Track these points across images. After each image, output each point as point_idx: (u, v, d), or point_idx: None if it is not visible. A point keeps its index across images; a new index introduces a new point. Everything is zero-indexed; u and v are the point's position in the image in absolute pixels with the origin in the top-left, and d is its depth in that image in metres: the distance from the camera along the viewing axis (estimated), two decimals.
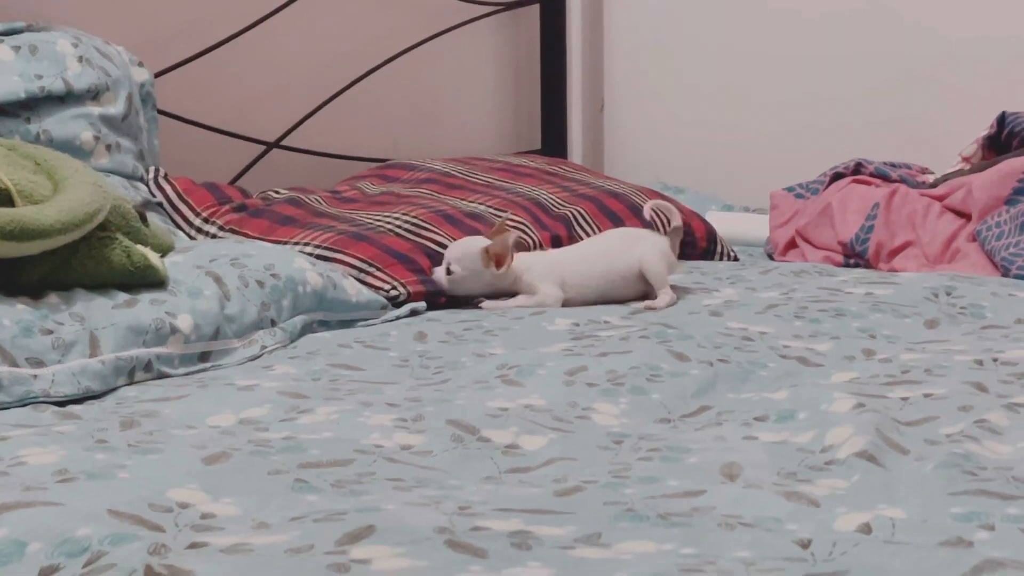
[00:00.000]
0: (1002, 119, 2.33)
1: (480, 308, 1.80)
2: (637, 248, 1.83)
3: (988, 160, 2.31)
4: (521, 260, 1.84)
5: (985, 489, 0.91)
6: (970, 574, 0.74)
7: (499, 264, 1.80)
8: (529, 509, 0.90)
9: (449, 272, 1.81)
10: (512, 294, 1.84)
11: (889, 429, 1.09)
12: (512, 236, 1.81)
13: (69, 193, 1.45)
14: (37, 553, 0.81)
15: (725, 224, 2.49)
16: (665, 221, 2.10)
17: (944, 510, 0.88)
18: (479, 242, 1.82)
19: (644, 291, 1.83)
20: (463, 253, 1.82)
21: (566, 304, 1.81)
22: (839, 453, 1.03)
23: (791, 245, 2.37)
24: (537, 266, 1.83)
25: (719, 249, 2.33)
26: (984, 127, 2.37)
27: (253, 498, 0.92)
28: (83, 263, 1.43)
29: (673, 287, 1.83)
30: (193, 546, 0.82)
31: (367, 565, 0.77)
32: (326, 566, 0.76)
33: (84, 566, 0.80)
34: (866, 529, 0.85)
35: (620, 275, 1.83)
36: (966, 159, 2.37)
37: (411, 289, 1.82)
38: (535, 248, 2.02)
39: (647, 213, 1.96)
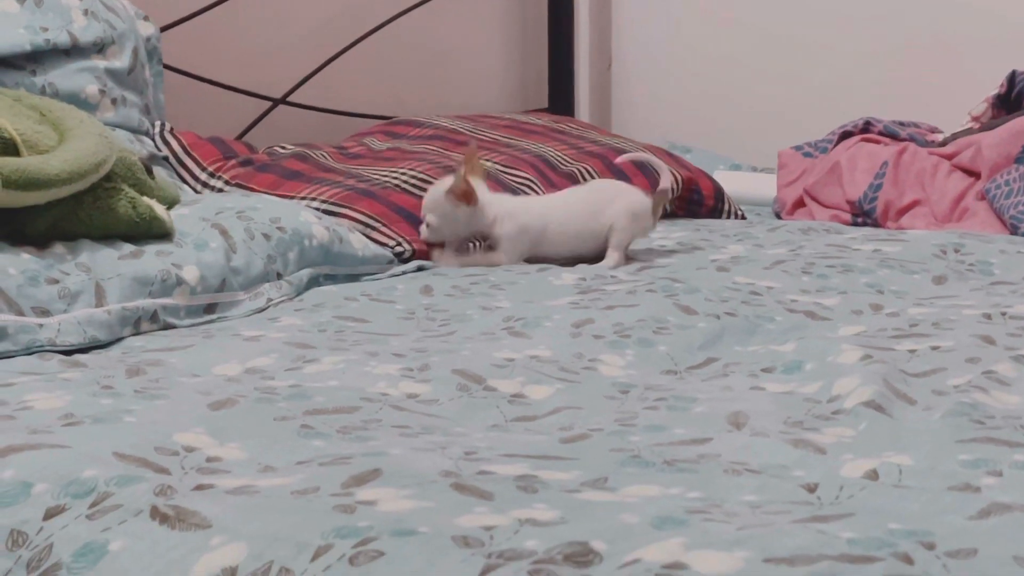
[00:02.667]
0: (1012, 78, 2.31)
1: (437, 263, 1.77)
2: (611, 207, 1.77)
3: (998, 119, 2.30)
4: (502, 204, 1.78)
5: (993, 437, 0.91)
6: (977, 517, 0.74)
7: (468, 201, 1.74)
8: (535, 455, 0.90)
9: (428, 225, 1.77)
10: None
11: (896, 380, 1.09)
12: (463, 171, 1.73)
13: (75, 143, 1.44)
14: (43, 494, 0.81)
15: (733, 183, 2.48)
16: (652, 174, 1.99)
17: (951, 457, 0.87)
18: (444, 185, 1.76)
19: None
20: (432, 201, 1.76)
21: (535, 258, 1.77)
22: (846, 403, 1.03)
23: (799, 204, 2.36)
24: (512, 220, 1.76)
25: (726, 208, 2.32)
26: (994, 86, 2.36)
27: (259, 443, 0.92)
28: (89, 214, 1.43)
29: (632, 254, 1.79)
30: (199, 488, 0.82)
31: (373, 506, 0.77)
32: (332, 507, 0.76)
33: (90, 507, 0.80)
34: (873, 475, 0.85)
35: (592, 234, 1.77)
36: (976, 118, 2.36)
37: (416, 246, 1.81)
38: None
39: (620, 161, 1.90)
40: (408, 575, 0.67)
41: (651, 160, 1.94)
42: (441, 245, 1.80)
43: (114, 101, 1.91)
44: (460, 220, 1.76)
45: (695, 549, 0.66)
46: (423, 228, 1.78)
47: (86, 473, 0.83)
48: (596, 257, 1.78)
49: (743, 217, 2.33)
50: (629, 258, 1.80)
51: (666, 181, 1.84)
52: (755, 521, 0.73)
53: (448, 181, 1.76)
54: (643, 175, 2.18)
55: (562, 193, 1.88)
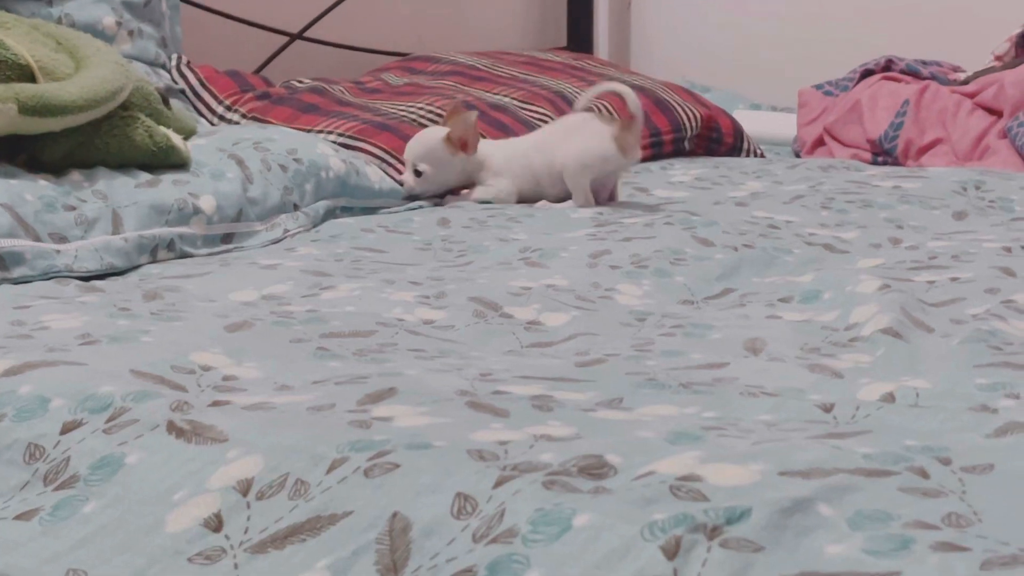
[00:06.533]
0: None
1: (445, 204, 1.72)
2: (566, 143, 1.65)
3: (1021, 58, 2.28)
4: (486, 146, 1.73)
5: (1010, 362, 0.91)
6: (994, 435, 0.74)
7: (465, 148, 1.69)
8: (550, 377, 0.90)
9: (418, 173, 1.70)
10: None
11: (914, 308, 1.08)
12: (473, 115, 1.69)
13: (91, 71, 1.44)
14: (60, 408, 0.82)
15: (752, 123, 2.47)
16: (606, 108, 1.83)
17: (969, 381, 0.87)
18: (438, 132, 1.71)
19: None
20: (426, 148, 1.69)
21: (520, 199, 1.71)
22: (863, 330, 1.03)
23: (819, 143, 2.34)
24: (496, 155, 1.72)
25: (745, 146, 2.31)
26: (1017, 25, 2.33)
27: (275, 363, 0.92)
28: (105, 141, 1.43)
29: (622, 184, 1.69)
30: (215, 404, 0.82)
31: (389, 422, 0.77)
32: (348, 422, 0.76)
33: (107, 421, 0.80)
34: (889, 398, 0.84)
35: (547, 170, 1.68)
36: (998, 57, 2.34)
37: None
38: None
39: (580, 104, 1.74)
40: (423, 486, 0.67)
41: (614, 88, 1.70)
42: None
43: (131, 33, 1.90)
44: (455, 168, 1.71)
45: (710, 462, 0.66)
46: (407, 177, 1.71)
47: (103, 389, 0.83)
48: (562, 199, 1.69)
49: (762, 156, 2.32)
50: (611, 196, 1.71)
51: (632, 106, 1.64)
52: (770, 437, 0.73)
53: (440, 130, 1.71)
54: (660, 111, 2.18)
55: (540, 129, 1.80)
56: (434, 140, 1.70)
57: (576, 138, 1.65)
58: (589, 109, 1.77)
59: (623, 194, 1.74)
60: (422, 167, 1.70)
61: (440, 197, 1.75)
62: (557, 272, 1.27)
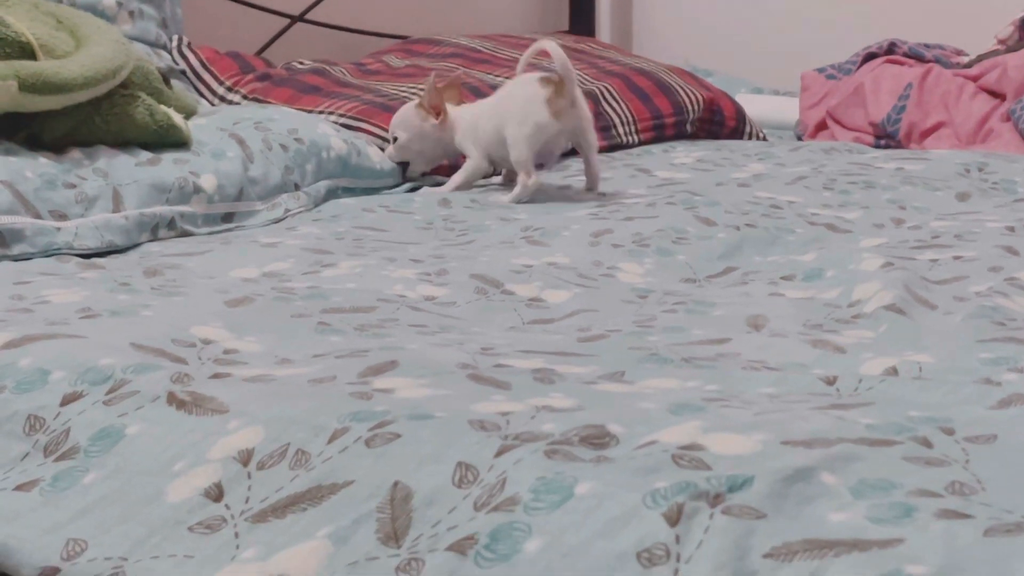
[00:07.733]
0: None
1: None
2: (508, 113, 1.58)
3: None
4: (458, 113, 1.69)
5: (1014, 337, 0.90)
6: (997, 407, 0.73)
7: (436, 112, 1.68)
8: (552, 351, 0.89)
9: (395, 141, 1.71)
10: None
11: (917, 286, 1.08)
12: (431, 77, 1.67)
13: (92, 49, 1.43)
14: (60, 381, 0.81)
15: (754, 106, 2.46)
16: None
17: (972, 355, 0.87)
18: (413, 102, 1.71)
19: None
20: (400, 117, 1.70)
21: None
22: (866, 307, 1.03)
23: (821, 126, 2.34)
24: (463, 121, 1.67)
25: (748, 129, 2.30)
26: (1020, 8, 2.32)
27: (276, 337, 0.92)
28: (106, 120, 1.43)
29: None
30: (216, 376, 0.82)
31: (390, 394, 0.76)
32: (349, 394, 0.76)
33: (107, 393, 0.80)
34: (892, 372, 0.84)
35: (501, 142, 1.60)
36: (1002, 41, 2.33)
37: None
38: None
39: (520, 68, 1.68)
40: (425, 456, 0.67)
41: (543, 46, 1.61)
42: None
43: (131, 14, 1.89)
44: (428, 137, 1.69)
45: (712, 432, 0.66)
46: (389, 147, 1.73)
47: (103, 361, 0.83)
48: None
49: (765, 139, 2.31)
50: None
51: (559, 64, 1.54)
52: (773, 408, 0.72)
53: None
54: (662, 93, 2.17)
55: (494, 95, 1.72)
56: (408, 108, 1.71)
57: (513, 107, 1.59)
58: (532, 69, 1.67)
59: (625, 175, 1.73)
60: (397, 133, 1.72)
61: (431, 173, 1.75)
62: (559, 250, 1.27)
